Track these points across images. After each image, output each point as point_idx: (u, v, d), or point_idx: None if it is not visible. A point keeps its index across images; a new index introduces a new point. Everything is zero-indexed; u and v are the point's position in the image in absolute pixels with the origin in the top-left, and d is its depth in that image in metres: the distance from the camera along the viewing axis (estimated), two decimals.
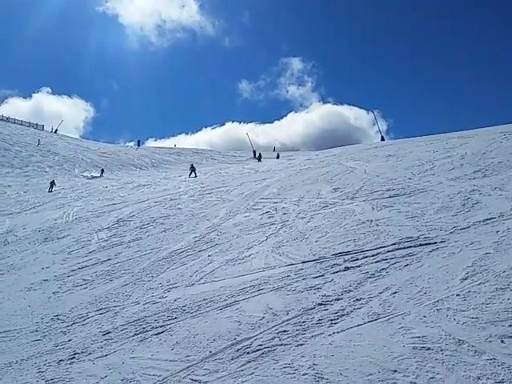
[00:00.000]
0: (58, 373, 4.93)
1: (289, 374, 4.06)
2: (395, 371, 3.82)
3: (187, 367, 4.51)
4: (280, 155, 41.37)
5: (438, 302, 5.01)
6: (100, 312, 6.76)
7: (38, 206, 23.96)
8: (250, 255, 8.35)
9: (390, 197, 10.74)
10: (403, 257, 6.70)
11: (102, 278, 8.61)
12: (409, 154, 17.57)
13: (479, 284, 5.27)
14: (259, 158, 39.78)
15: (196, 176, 29.52)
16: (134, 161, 45.66)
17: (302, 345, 4.59)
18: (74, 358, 5.28)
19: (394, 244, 7.33)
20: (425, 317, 4.70)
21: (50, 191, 29.93)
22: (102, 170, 39.76)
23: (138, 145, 59.37)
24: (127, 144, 67.70)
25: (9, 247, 13.82)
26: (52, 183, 31.40)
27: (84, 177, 38.87)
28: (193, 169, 31.65)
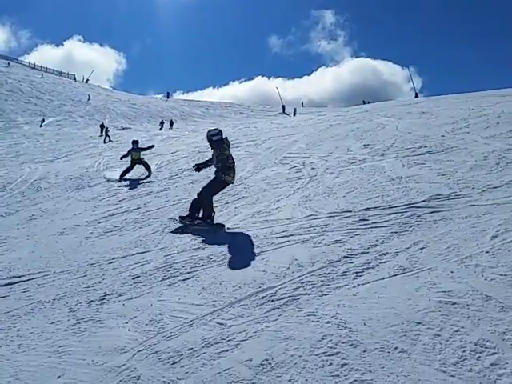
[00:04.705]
0: (89, 312, 5.12)
1: (312, 321, 4.12)
2: (419, 323, 3.83)
3: (213, 311, 4.63)
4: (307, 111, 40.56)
5: (466, 258, 4.95)
6: (129, 257, 6.94)
7: (70, 155, 24.44)
8: (276, 208, 8.36)
9: (421, 154, 10.50)
10: (432, 213, 6.60)
11: (132, 226, 8.80)
12: (443, 111, 17.01)
13: (510, 242, 5.17)
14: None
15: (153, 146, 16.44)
16: (163, 113, 45.75)
17: (326, 295, 4.64)
18: (104, 299, 5.46)
19: (423, 201, 7.21)
20: (452, 272, 4.66)
21: (110, 140, 29.73)
22: (171, 123, 38.86)
23: (168, 97, 59.28)
24: (156, 96, 67.71)
25: (42, 193, 14.23)
26: (106, 131, 31.02)
27: (114, 127, 39.23)
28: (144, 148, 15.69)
